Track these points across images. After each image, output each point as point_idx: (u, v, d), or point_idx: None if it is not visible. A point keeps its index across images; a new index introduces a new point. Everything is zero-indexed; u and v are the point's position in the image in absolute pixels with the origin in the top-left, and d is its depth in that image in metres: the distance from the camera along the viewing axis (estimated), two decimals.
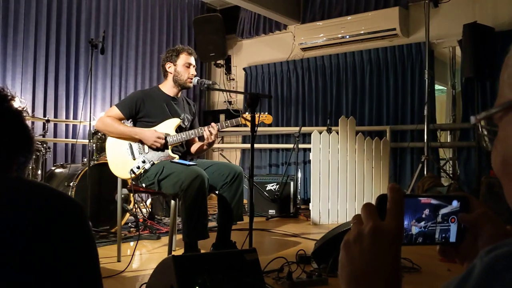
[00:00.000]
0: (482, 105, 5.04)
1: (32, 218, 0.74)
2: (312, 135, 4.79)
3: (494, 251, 0.36)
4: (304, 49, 6.45)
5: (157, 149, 3.08)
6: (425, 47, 5.12)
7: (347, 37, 5.97)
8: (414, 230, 0.69)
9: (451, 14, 5.37)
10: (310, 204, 4.79)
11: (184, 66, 3.19)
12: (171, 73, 3.21)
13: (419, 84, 5.52)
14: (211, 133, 3.06)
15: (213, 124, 3.10)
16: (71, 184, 3.86)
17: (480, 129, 0.52)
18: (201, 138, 3.25)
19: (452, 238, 0.71)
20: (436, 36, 5.41)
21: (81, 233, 0.77)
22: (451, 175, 5.21)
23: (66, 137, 5.53)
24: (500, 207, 3.44)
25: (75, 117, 5.59)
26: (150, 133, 3.06)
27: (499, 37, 4.71)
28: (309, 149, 5.04)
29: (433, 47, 5.48)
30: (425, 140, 4.95)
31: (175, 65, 3.20)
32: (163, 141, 3.05)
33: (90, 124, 3.84)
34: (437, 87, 5.98)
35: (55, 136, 5.36)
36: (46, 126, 4.36)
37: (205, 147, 3.24)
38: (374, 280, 0.60)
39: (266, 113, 3.23)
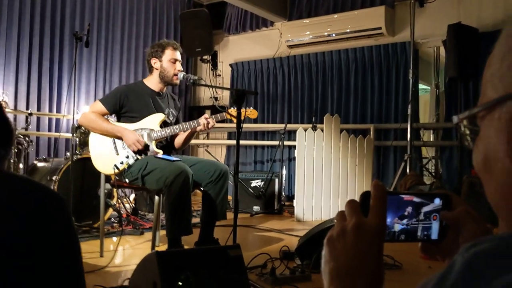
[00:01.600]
0: (465, 105, 5.10)
1: (12, 212, 0.73)
2: (297, 132, 4.81)
3: (475, 247, 0.37)
4: (290, 47, 6.46)
5: (137, 151, 3.04)
6: (410, 47, 5.16)
7: (333, 35, 6.00)
8: (397, 227, 0.70)
9: (436, 14, 5.42)
10: (294, 201, 4.81)
11: (170, 62, 3.17)
12: (157, 69, 3.19)
13: (403, 83, 5.57)
14: (208, 123, 3.06)
15: (206, 115, 3.10)
16: (53, 178, 3.82)
17: (462, 128, 0.52)
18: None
19: (434, 236, 0.72)
20: (421, 36, 5.46)
21: (64, 226, 0.77)
22: (433, 174, 5.28)
23: (49, 130, 5.46)
24: (481, 206, 3.50)
25: (58, 111, 5.52)
26: (132, 135, 3.02)
27: (483, 38, 4.76)
28: (294, 146, 5.06)
29: (418, 46, 5.53)
30: (408, 139, 5.00)
31: (160, 61, 3.17)
32: (141, 147, 3.01)
33: (73, 118, 3.80)
34: (420, 86, 6.04)
35: (37, 129, 5.29)
36: (29, 119, 4.30)
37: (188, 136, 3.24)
38: (357, 276, 0.61)
39: (251, 107, 3.23)
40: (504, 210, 0.47)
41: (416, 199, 0.71)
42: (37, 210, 0.75)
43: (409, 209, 0.70)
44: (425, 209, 0.71)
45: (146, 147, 3.05)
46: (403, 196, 0.70)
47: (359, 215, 0.64)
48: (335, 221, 0.67)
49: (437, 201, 0.72)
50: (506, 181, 0.45)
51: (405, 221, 0.70)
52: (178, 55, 3.20)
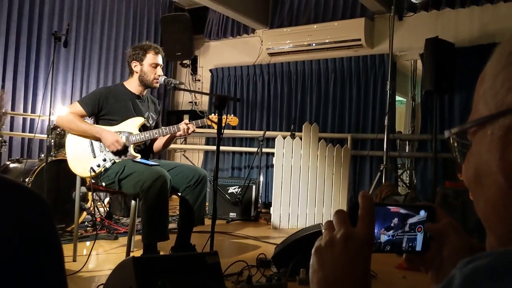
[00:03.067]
0: (441, 117, 5.21)
1: None
2: (276, 139, 4.83)
3: (473, 262, 0.38)
4: (271, 54, 6.49)
5: (116, 152, 3.01)
6: (388, 59, 5.24)
7: (313, 44, 6.05)
8: (383, 238, 0.71)
9: (414, 28, 5.53)
10: (271, 208, 4.82)
11: (150, 66, 3.13)
12: (137, 72, 3.15)
13: (380, 94, 5.66)
14: (188, 129, 3.03)
15: (186, 121, 3.08)
16: (26, 180, 3.73)
17: (453, 143, 0.53)
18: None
19: (418, 247, 0.73)
20: (399, 49, 5.56)
21: (47, 230, 0.75)
22: (408, 184, 5.36)
23: (23, 131, 5.34)
24: (454, 217, 3.56)
25: (33, 111, 5.40)
26: (110, 135, 2.98)
27: (459, 53, 4.88)
28: (272, 154, 5.06)
29: (396, 59, 5.62)
30: (385, 149, 5.07)
31: (141, 65, 3.13)
32: (120, 147, 2.98)
33: (49, 118, 3.72)
34: (397, 98, 6.15)
35: (11, 129, 5.17)
36: (2, 119, 4.19)
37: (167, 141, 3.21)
38: (345, 285, 0.62)
39: (232, 115, 3.23)
40: (494, 223, 0.48)
41: (402, 211, 0.72)
42: (18, 213, 0.73)
43: (395, 220, 0.71)
44: (411, 220, 0.72)
45: (125, 148, 3.01)
46: (389, 207, 0.71)
47: (348, 225, 0.65)
48: (323, 230, 0.67)
49: (422, 213, 0.73)
50: (497, 196, 0.46)
51: (391, 232, 0.71)
52: (159, 60, 3.17)
